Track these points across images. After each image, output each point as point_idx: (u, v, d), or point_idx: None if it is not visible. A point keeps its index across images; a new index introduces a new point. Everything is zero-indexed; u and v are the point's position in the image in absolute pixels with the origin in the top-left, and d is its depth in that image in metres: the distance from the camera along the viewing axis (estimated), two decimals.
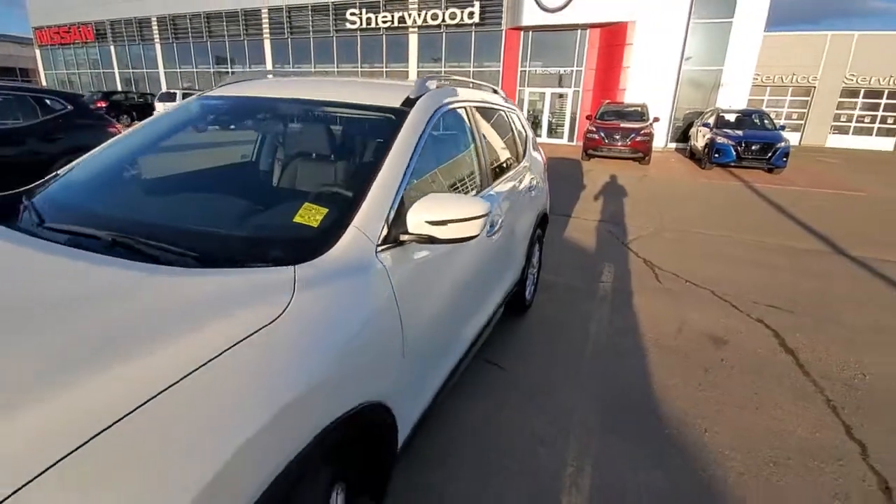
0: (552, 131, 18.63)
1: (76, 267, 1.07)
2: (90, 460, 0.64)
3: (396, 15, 18.90)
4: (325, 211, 1.30)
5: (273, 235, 1.34)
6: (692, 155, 14.01)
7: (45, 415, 0.67)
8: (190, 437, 0.73)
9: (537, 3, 16.23)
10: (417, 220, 1.30)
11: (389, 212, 1.32)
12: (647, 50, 15.37)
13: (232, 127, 2.06)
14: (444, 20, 18.15)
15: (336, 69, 21.26)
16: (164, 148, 1.86)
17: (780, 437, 2.12)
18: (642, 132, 11.71)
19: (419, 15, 18.47)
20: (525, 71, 17.95)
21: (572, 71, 17.38)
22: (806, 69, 22.52)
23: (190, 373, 0.77)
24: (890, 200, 8.54)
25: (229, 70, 23.61)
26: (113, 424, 0.67)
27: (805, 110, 23.46)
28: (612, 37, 15.99)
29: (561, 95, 18.01)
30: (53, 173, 1.72)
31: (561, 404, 2.30)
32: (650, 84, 15.56)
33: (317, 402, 0.94)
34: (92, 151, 1.81)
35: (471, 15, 17.71)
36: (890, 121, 22.58)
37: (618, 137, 11.75)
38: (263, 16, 21.60)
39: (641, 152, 11.77)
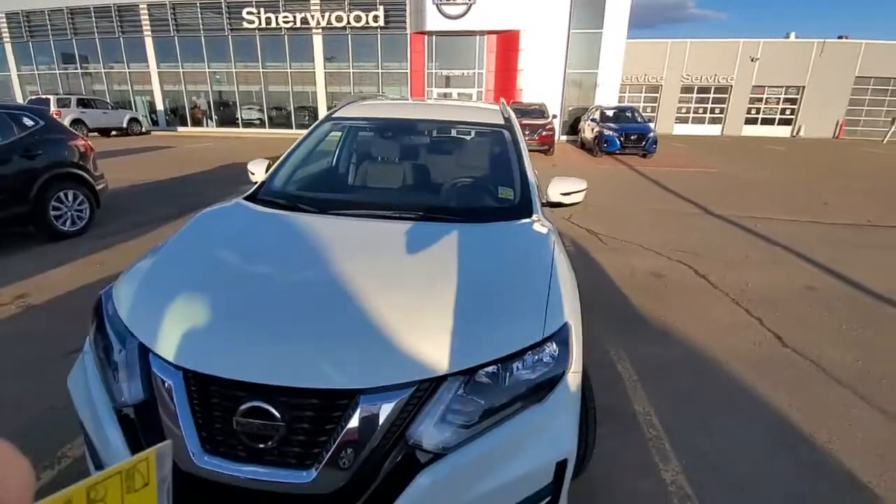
0: None
1: (415, 228, 1.81)
2: None
3: (298, 16, 18.73)
4: (510, 191, 2.17)
5: (504, 206, 2.15)
6: (583, 145, 16.43)
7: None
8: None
9: (439, 10, 17.45)
10: (554, 191, 2.23)
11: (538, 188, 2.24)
12: (537, 55, 17.50)
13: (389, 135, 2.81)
14: (348, 22, 18.50)
15: (234, 69, 20.29)
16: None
17: (713, 320, 3.45)
18: (547, 127, 13.58)
19: (322, 16, 18.55)
20: (431, 73, 19.10)
21: (474, 73, 18.97)
22: (654, 70, 27.14)
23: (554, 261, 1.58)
24: (733, 175, 11.31)
25: (101, 70, 21.07)
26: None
27: (656, 105, 28.25)
28: (507, 42, 17.88)
29: (467, 96, 19.53)
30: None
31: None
32: (542, 85, 17.75)
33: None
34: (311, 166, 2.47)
35: (375, 18, 18.32)
36: (717, 111, 28.25)
37: (527, 133, 13.44)
38: (142, 12, 19.70)
39: (547, 145, 13.64)
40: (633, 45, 26.06)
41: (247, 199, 2.15)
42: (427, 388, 1.12)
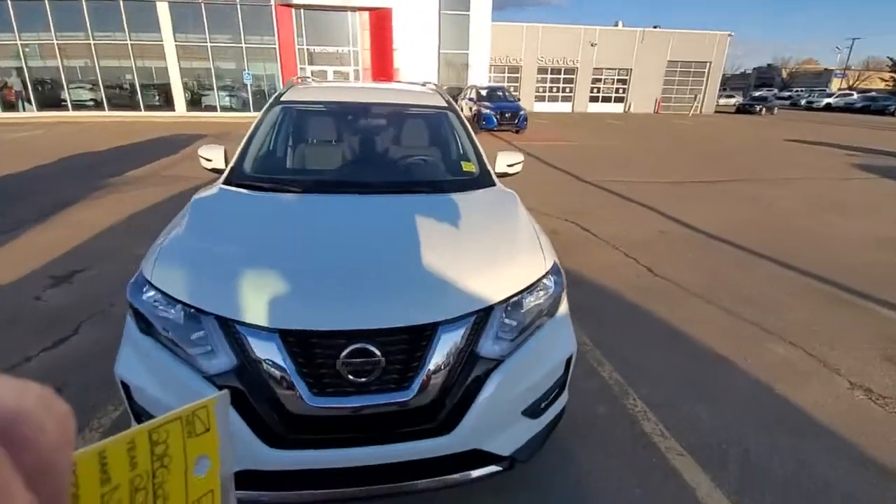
0: None
1: (402, 199, 2.11)
2: None
3: None
4: (471, 164, 2.56)
5: (469, 178, 2.48)
6: None
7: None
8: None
9: None
10: (502, 164, 2.69)
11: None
12: (411, 34, 17.78)
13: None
14: None
15: (55, 40, 16.69)
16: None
17: (603, 262, 4.36)
18: None
19: None
20: (303, 49, 18.13)
21: (350, 51, 18.53)
22: (515, 52, 29.38)
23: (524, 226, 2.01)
24: (592, 146, 13.18)
25: None
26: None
27: (518, 84, 30.72)
28: (380, 20, 17.78)
29: (343, 75, 19.02)
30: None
31: None
32: (418, 64, 18.16)
33: None
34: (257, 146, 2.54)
35: None
36: (567, 91, 31.78)
37: None
38: None
39: None
40: (495, 28, 27.79)
41: (225, 183, 2.21)
42: (483, 316, 1.50)
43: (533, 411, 1.57)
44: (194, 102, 18.65)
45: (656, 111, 32.51)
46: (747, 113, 32.05)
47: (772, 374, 2.69)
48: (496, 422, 1.49)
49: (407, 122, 3.04)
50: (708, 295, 3.72)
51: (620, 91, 32.51)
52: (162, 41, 17.29)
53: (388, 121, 3.11)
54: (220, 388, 1.34)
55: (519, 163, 2.78)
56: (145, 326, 1.47)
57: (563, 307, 1.75)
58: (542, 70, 30.64)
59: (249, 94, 18.33)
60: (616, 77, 32.13)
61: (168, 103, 18.46)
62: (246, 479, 1.35)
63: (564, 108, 31.79)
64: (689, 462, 2.05)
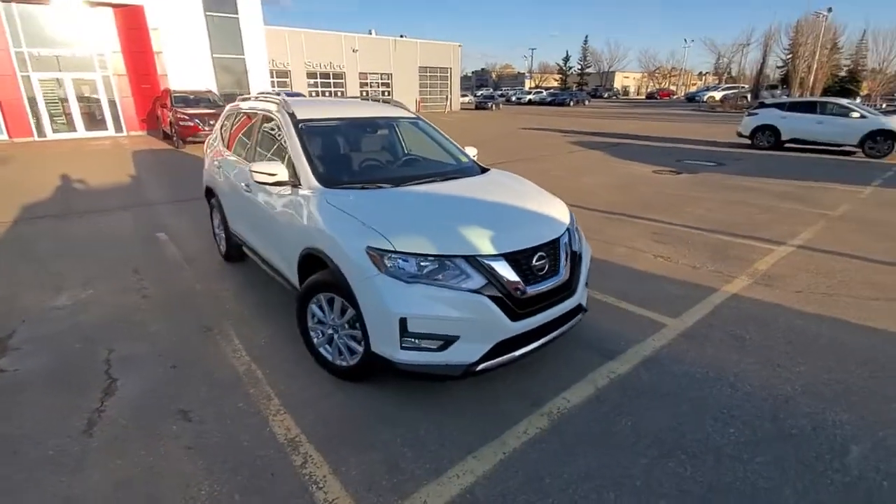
0: (92, 123, 16.07)
1: (448, 184, 3.23)
2: None
3: None
4: (464, 157, 3.78)
5: (467, 166, 3.61)
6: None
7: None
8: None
9: None
10: (470, 153, 4.03)
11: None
12: (176, 37, 15.97)
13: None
14: None
15: None
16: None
17: None
18: None
19: None
20: (22, 52, 14.10)
21: (93, 55, 15.34)
22: (282, 57, 28.94)
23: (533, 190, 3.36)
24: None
25: None
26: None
27: (289, 88, 30.41)
28: (131, 19, 15.32)
29: (86, 83, 15.63)
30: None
31: None
32: (190, 70, 16.51)
33: None
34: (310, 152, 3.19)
35: None
36: (339, 94, 33.12)
37: (214, 122, 12.89)
38: None
39: None
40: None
41: (326, 185, 2.90)
42: (566, 231, 2.81)
43: (586, 282, 3.01)
44: None
45: (418, 110, 37.15)
46: (484, 108, 39.89)
47: (611, 255, 4.90)
48: (582, 287, 2.86)
49: (402, 128, 4.03)
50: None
51: (387, 93, 35.77)
52: None
53: (388, 129, 4.02)
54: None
55: (476, 153, 4.15)
56: (409, 275, 2.28)
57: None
58: (311, 74, 31.10)
59: None
60: (380, 80, 35.19)
61: None
62: (500, 347, 2.39)
63: None
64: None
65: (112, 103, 16.15)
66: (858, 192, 8.16)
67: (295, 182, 3.03)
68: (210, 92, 14.81)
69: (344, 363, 2.73)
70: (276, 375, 2.83)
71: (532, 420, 2.43)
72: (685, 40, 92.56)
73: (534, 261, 2.51)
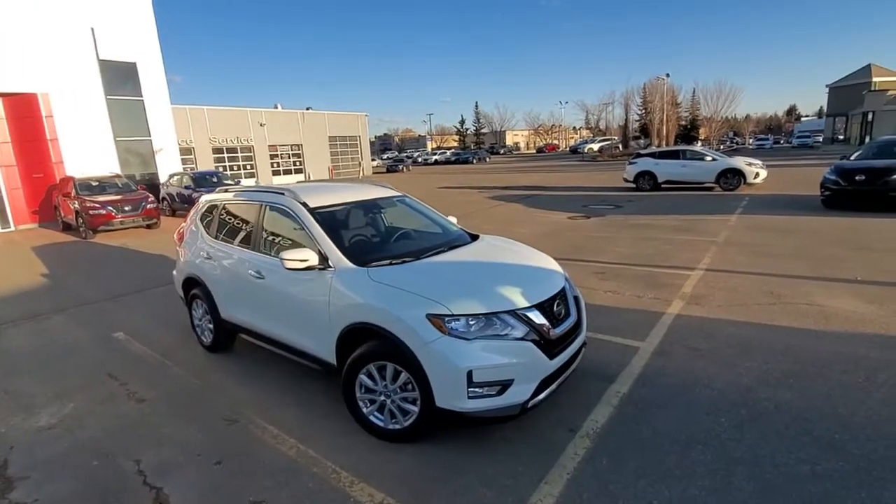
0: None
1: (446, 256, 3.73)
2: None
3: None
4: (454, 227, 4.30)
5: (459, 233, 4.09)
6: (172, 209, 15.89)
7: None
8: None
9: None
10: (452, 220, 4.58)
11: None
12: (75, 122, 14.95)
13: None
14: None
15: None
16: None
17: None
18: (150, 200, 12.68)
19: None
20: None
21: None
22: (183, 134, 27.94)
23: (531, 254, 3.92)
24: None
25: None
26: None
27: (194, 165, 29.29)
28: (24, 108, 14.11)
29: None
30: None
31: None
32: (89, 155, 15.40)
33: None
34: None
35: None
36: (248, 167, 32.56)
37: (129, 208, 12.11)
38: None
39: (154, 218, 12.79)
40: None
41: (359, 265, 3.23)
42: (565, 280, 3.44)
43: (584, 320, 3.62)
44: None
45: (331, 177, 37.60)
46: (395, 171, 41.60)
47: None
48: (585, 325, 3.46)
49: (397, 207, 4.46)
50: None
51: (298, 163, 35.94)
52: None
53: (388, 208, 4.42)
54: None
55: (456, 220, 4.70)
56: (462, 334, 2.68)
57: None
58: (217, 150, 30.38)
59: None
60: (290, 152, 35.35)
61: None
62: (542, 384, 2.83)
63: (250, 182, 32.39)
64: None
65: None
66: (727, 219, 10.16)
67: (323, 265, 3.32)
68: (118, 176, 13.92)
69: (397, 426, 2.97)
70: (330, 451, 2.96)
71: (576, 442, 2.88)
72: (560, 102, 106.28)
73: (554, 307, 3.07)
